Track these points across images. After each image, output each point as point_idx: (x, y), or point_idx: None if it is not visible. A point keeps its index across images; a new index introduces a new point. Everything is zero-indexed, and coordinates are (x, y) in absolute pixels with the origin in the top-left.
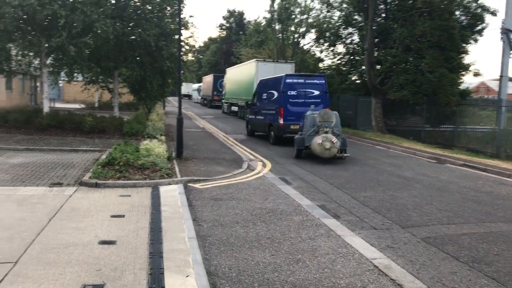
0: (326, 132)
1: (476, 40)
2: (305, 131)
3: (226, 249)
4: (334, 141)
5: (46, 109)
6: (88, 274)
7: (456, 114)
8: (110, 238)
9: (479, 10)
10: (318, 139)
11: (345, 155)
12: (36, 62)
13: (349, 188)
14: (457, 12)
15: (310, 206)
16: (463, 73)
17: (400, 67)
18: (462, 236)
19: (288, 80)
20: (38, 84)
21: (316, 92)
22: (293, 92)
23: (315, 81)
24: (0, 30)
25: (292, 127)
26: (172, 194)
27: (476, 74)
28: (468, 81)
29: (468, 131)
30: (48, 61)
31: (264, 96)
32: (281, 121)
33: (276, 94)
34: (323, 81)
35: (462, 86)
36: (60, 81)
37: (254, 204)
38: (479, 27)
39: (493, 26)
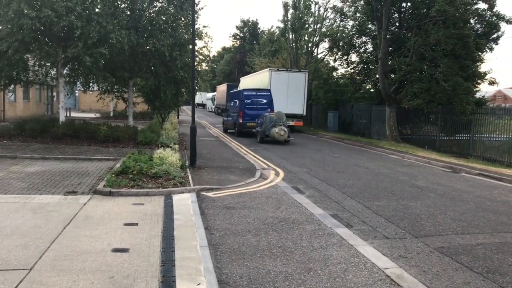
0: (280, 125)
1: (491, 49)
2: (266, 125)
3: (237, 258)
4: (286, 130)
5: (62, 118)
6: (101, 282)
7: (472, 123)
8: (123, 246)
9: (494, 19)
10: (276, 129)
11: (291, 139)
12: (53, 72)
13: (362, 197)
14: (471, 21)
15: (323, 215)
16: (479, 81)
17: (414, 75)
18: (476, 246)
19: (245, 93)
20: (54, 93)
21: (264, 101)
22: (248, 101)
23: (264, 93)
24: (18, 41)
25: (248, 124)
26: (184, 202)
27: (492, 83)
28: (484, 89)
29: (484, 140)
30: (65, 71)
31: (231, 103)
32: (241, 120)
33: (238, 102)
34: (269, 93)
35: (477, 95)
36: (76, 91)
37: (266, 213)
38: (494, 36)
39: (509, 34)
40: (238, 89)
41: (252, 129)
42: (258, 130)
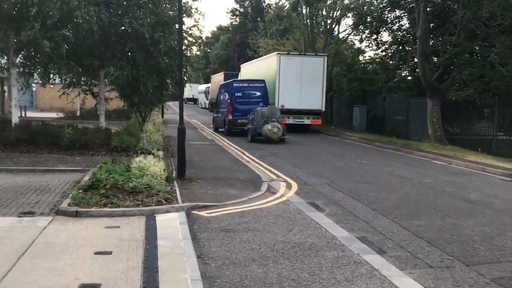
0: (273, 121)
1: None
2: (257, 122)
3: None
4: (280, 127)
5: (15, 119)
6: None
7: None
8: (93, 281)
9: None
10: (268, 126)
11: (286, 137)
12: (3, 61)
13: (398, 215)
14: None
15: (348, 238)
16: None
17: (463, 59)
18: None
19: (235, 84)
20: (5, 88)
21: (258, 93)
22: (239, 94)
23: (257, 84)
24: None
25: (239, 121)
26: (171, 224)
27: None
28: None
29: None
30: (18, 60)
31: (221, 97)
32: (230, 117)
33: (227, 95)
34: (263, 85)
35: None
36: (33, 85)
37: (276, 237)
38: None
39: None
40: (238, 79)
41: (244, 126)
42: (249, 127)
